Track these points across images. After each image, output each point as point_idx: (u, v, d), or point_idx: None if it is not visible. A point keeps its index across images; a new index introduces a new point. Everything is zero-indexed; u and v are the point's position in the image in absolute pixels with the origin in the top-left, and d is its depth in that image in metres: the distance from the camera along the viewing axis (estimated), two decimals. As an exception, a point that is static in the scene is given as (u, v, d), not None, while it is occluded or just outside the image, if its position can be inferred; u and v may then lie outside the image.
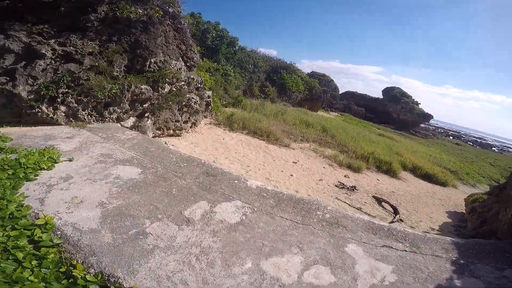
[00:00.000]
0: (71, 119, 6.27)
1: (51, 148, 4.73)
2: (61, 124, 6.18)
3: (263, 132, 12.98)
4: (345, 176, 10.75)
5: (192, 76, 9.77)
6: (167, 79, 7.99)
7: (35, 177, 3.82)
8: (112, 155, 4.91)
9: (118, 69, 6.73)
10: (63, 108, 6.11)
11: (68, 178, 3.93)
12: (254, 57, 28.64)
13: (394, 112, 49.50)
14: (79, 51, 6.18)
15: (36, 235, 2.72)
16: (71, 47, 6.14)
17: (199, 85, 10.57)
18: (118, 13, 6.83)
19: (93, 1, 6.65)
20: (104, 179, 4.03)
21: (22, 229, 2.74)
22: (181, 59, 9.02)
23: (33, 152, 4.32)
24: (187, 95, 9.26)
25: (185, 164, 5.02)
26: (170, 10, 8.70)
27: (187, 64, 9.69)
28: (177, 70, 8.54)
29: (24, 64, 5.59)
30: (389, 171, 12.66)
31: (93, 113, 6.56)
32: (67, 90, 6.03)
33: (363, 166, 11.91)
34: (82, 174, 4.09)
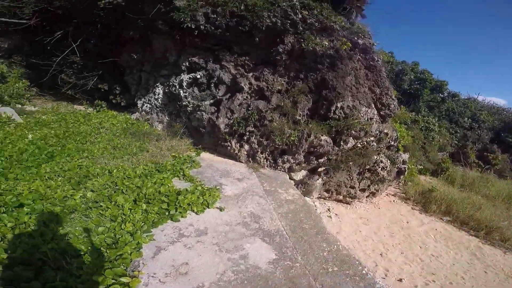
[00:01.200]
0: (250, 159, 6.35)
1: (217, 188, 4.82)
2: (241, 162, 6.38)
3: (479, 224, 8.21)
4: None
5: (385, 130, 7.69)
6: (352, 131, 6.54)
7: (180, 219, 3.65)
8: (260, 219, 4.15)
9: (301, 112, 6.16)
10: (246, 147, 6.27)
11: (201, 234, 3.46)
12: (472, 107, 20.42)
13: None
14: (270, 88, 6.18)
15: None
16: (264, 83, 6.25)
17: (392, 143, 8.23)
18: (303, 45, 6.18)
19: (280, 31, 6.27)
20: (229, 253, 3.21)
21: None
22: (373, 106, 7.21)
23: (197, 190, 4.39)
24: (375, 157, 7.33)
25: (335, 269, 3.33)
26: (360, 41, 7.12)
27: (381, 112, 7.69)
28: (367, 120, 6.88)
29: (228, 96, 6.19)
30: None
31: (269, 157, 6.35)
32: (253, 129, 6.13)
33: None
34: (216, 234, 3.52)
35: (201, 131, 6.42)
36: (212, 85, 6.51)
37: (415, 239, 7.12)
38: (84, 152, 5.51)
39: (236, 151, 6.30)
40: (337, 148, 6.54)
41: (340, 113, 6.42)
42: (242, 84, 6.11)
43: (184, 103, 6.48)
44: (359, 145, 6.96)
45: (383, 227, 7.28)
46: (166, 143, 6.36)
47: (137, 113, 7.96)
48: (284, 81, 6.38)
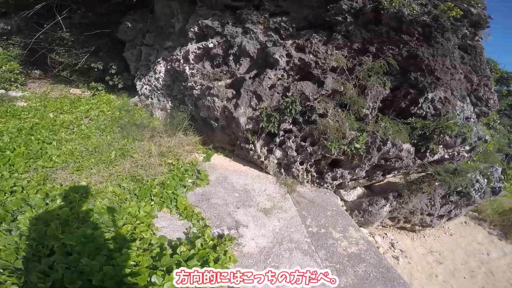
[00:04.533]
0: (282, 170, 4.02)
1: (231, 238, 2.68)
2: (269, 174, 4.08)
3: None
4: None
5: (486, 137, 4.88)
6: (446, 137, 3.88)
7: None
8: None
9: (371, 104, 3.61)
10: (278, 153, 3.92)
11: None
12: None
13: None
14: (320, 63, 3.67)
15: None
16: (311, 55, 3.74)
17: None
18: (385, 3, 3.54)
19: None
20: None
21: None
22: (468, 100, 4.46)
23: (195, 248, 2.20)
24: (469, 174, 4.59)
25: None
26: (473, 11, 4.23)
27: (475, 109, 4.86)
28: (464, 119, 4.16)
29: (254, 75, 3.79)
30: None
31: (311, 169, 3.96)
32: (291, 126, 3.75)
33: None
34: None
35: (212, 124, 4.15)
36: (230, 58, 4.13)
37: (499, 277, 4.95)
38: (40, 158, 3.51)
39: (262, 158, 3.99)
40: (419, 161, 3.95)
41: (429, 108, 3.80)
42: (277, 56, 3.65)
43: (189, 84, 4.18)
44: (446, 157, 4.28)
45: (460, 264, 5.10)
46: (164, 141, 4.19)
47: (136, 97, 5.86)
48: (344, 55, 3.79)
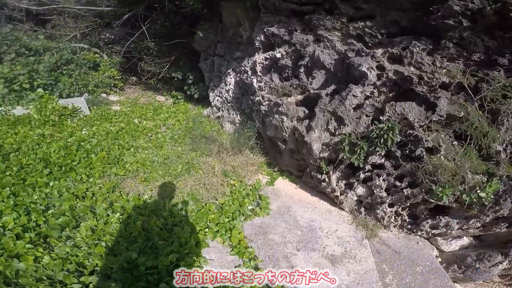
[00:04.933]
0: (361, 209, 3.25)
1: None
2: (343, 210, 3.37)
3: None
4: None
5: None
6: None
7: None
8: None
9: (506, 137, 2.46)
10: (360, 190, 3.18)
11: None
12: None
13: None
14: (426, 78, 2.73)
15: None
16: (411, 68, 2.82)
17: None
18: None
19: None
20: None
21: None
22: None
23: None
24: None
25: None
26: None
27: None
28: None
29: (332, 91, 3.14)
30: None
31: (402, 212, 3.06)
32: (383, 161, 2.96)
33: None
34: None
35: (279, 146, 3.68)
36: (300, 70, 3.60)
37: None
38: (116, 165, 3.73)
39: (337, 193, 3.30)
40: None
41: None
42: (364, 68, 2.89)
43: (257, 99, 3.85)
44: None
45: None
46: (229, 159, 3.97)
47: (209, 108, 5.93)
48: (460, 67, 2.75)
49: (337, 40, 3.40)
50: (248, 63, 4.16)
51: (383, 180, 2.90)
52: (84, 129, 4.88)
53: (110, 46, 8.66)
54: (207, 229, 2.79)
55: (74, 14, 8.53)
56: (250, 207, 3.23)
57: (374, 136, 2.74)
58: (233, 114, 5.02)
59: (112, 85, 7.54)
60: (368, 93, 2.92)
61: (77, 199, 2.90)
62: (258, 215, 3.13)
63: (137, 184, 3.40)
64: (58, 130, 4.65)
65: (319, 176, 3.33)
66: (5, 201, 2.65)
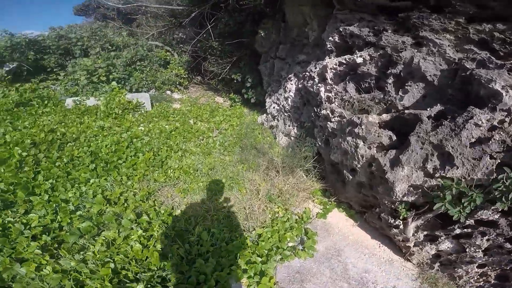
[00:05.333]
0: (435, 265, 2.23)
1: None
2: (409, 261, 2.39)
3: None
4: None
5: None
6: None
7: None
8: None
9: None
10: (446, 245, 2.21)
11: None
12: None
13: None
14: None
15: None
16: None
17: None
18: None
19: None
20: None
21: None
22: None
23: None
24: None
25: None
26: None
27: None
28: None
29: (438, 112, 2.18)
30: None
31: (491, 274, 1.96)
32: (496, 217, 1.96)
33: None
34: None
35: (344, 175, 2.84)
36: (388, 81, 2.70)
37: None
38: (158, 169, 3.47)
39: (410, 243, 2.34)
40: None
41: None
42: (496, 86, 1.86)
43: (323, 112, 3.09)
44: None
45: None
46: (278, 180, 3.32)
47: (264, 115, 5.40)
48: None
49: (449, 46, 2.42)
50: (316, 68, 3.43)
51: (487, 240, 1.90)
52: (141, 125, 4.90)
53: (181, 45, 8.96)
54: (233, 266, 2.20)
55: (154, 14, 9.11)
56: (291, 244, 2.53)
57: (499, 188, 1.75)
58: (289, 126, 4.35)
59: (177, 83, 7.70)
60: (496, 123, 1.90)
61: (108, 204, 2.66)
62: (299, 256, 2.41)
63: (174, 194, 3.04)
64: (118, 123, 4.74)
65: (391, 220, 2.41)
66: (42, 194, 2.56)
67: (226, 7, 5.44)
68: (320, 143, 3.32)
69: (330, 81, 3.13)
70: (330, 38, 3.28)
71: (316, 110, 3.39)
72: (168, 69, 7.70)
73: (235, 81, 6.26)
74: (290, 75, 4.27)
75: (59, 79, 6.53)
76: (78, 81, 6.04)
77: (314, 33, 3.87)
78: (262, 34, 4.83)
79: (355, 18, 3.22)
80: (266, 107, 5.12)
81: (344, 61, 3.02)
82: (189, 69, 8.28)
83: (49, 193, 2.61)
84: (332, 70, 3.11)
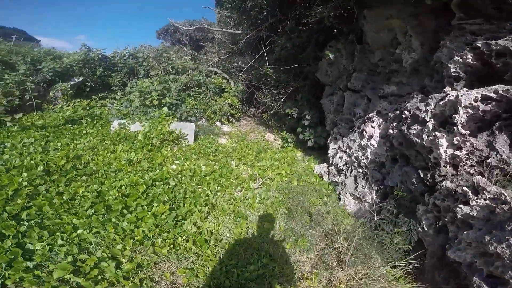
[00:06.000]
0: None
1: None
2: None
3: None
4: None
5: None
6: None
7: None
8: None
9: None
10: None
11: None
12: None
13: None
14: None
15: None
16: None
17: None
18: None
19: None
20: None
21: None
22: None
23: None
24: None
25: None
26: None
27: None
28: None
29: None
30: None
31: None
32: None
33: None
34: None
35: (472, 282, 1.29)
36: None
37: None
38: (167, 232, 2.45)
39: None
40: None
41: None
42: None
43: (447, 185, 1.67)
44: None
45: None
46: (340, 274, 1.91)
47: (324, 164, 4.08)
48: None
49: None
50: (429, 106, 2.06)
51: None
52: (176, 162, 4.11)
53: (239, 74, 8.49)
54: None
55: (219, 41, 9.07)
56: None
57: None
58: (364, 187, 2.92)
59: (229, 114, 7.07)
60: None
61: (75, 274, 1.70)
62: None
63: (176, 275, 1.93)
64: (149, 157, 4.06)
65: None
66: (8, 239, 1.75)
67: (284, 27, 4.59)
68: (426, 228, 1.83)
69: (461, 129, 1.73)
70: (457, 58, 1.95)
71: (422, 175, 1.97)
72: (222, 97, 7.18)
73: (289, 117, 5.18)
74: (370, 114, 2.95)
75: (117, 99, 6.48)
76: (132, 103, 5.83)
77: (413, 54, 2.58)
78: (331, 56, 3.68)
79: (499, 29, 1.86)
80: (329, 154, 3.82)
81: (494, 95, 1.63)
82: (243, 100, 7.63)
83: (17, 238, 1.82)
84: (468, 110, 1.72)
